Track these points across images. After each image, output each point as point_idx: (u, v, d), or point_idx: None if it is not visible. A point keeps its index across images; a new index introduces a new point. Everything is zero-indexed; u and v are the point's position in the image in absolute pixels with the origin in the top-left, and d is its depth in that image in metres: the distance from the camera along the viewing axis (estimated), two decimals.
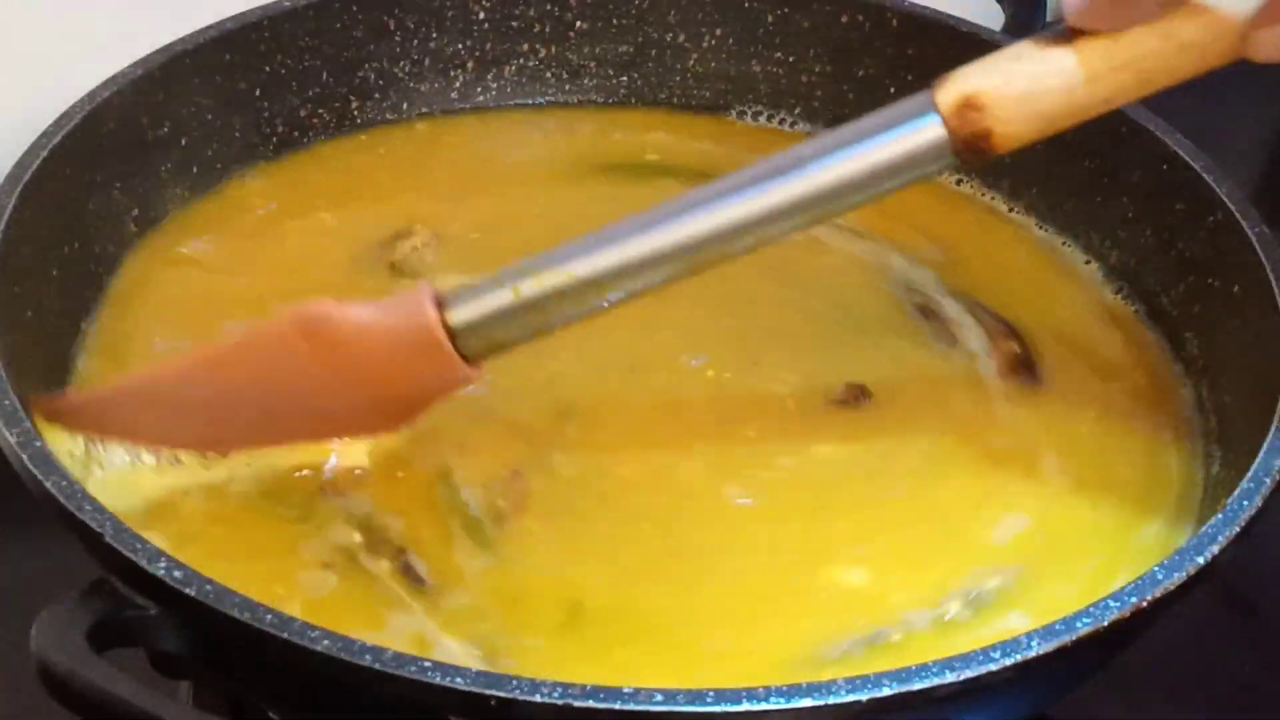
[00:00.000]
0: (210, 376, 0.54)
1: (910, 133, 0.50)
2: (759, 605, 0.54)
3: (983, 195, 0.73)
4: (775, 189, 0.51)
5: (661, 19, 0.77)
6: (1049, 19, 0.78)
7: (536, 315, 0.53)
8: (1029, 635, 0.46)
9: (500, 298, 0.53)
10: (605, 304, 0.53)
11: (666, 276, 0.53)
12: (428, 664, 0.44)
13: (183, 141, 0.68)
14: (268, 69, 0.71)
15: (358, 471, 0.56)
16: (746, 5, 0.76)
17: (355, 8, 0.73)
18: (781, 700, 0.44)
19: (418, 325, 0.53)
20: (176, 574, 0.46)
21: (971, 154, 0.50)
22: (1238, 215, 0.62)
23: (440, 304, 0.53)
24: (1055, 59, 0.49)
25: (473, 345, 0.53)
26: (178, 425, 0.55)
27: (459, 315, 0.53)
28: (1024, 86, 0.49)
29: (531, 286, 0.52)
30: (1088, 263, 0.70)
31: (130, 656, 0.47)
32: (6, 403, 0.51)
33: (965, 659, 0.45)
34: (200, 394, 0.54)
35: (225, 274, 0.66)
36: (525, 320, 0.53)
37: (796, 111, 0.77)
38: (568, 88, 0.77)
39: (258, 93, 0.71)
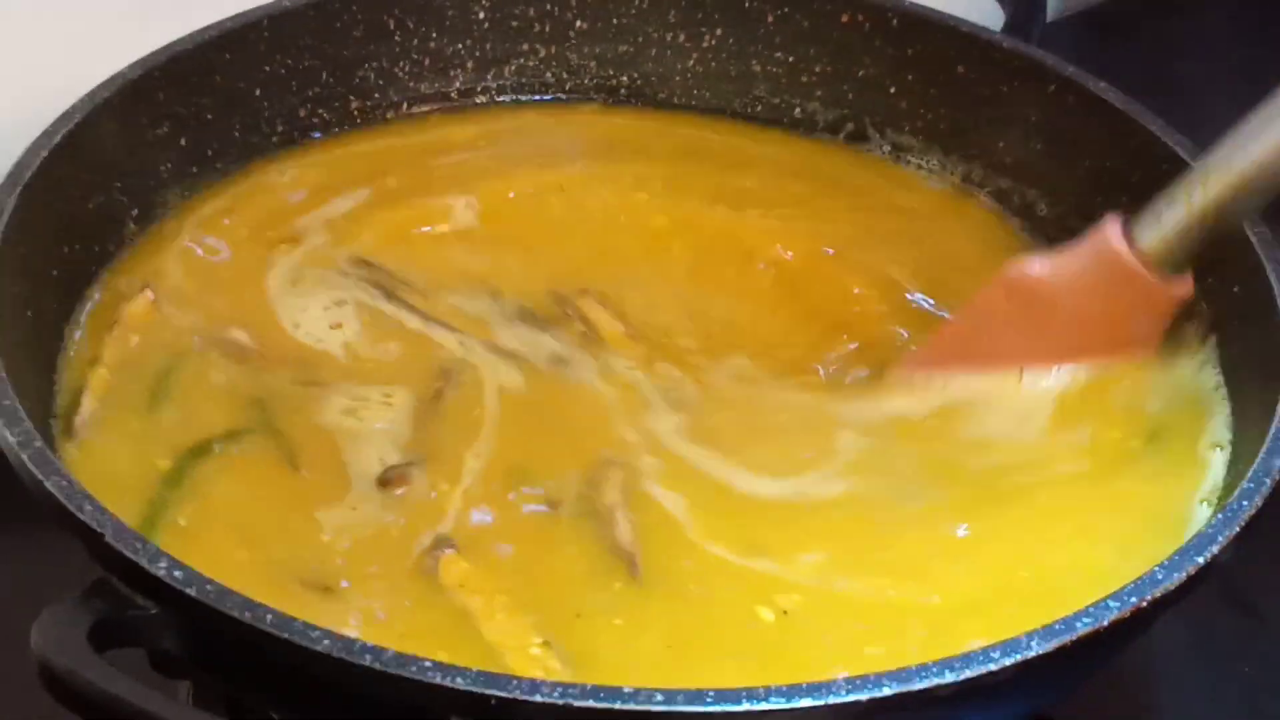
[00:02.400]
0: (968, 334, 0.63)
1: None
2: None
3: (982, 196, 0.73)
4: None
5: (661, 19, 0.77)
6: (1049, 19, 0.78)
7: (1216, 219, 0.58)
8: (1029, 635, 0.46)
9: (1177, 212, 0.58)
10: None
11: None
12: (428, 664, 0.44)
13: (182, 141, 0.68)
14: (267, 69, 0.71)
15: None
16: (746, 5, 0.76)
17: (355, 8, 0.73)
18: (781, 700, 0.44)
19: (1110, 261, 0.59)
20: (177, 574, 0.46)
21: None
22: None
23: (1128, 232, 0.59)
24: None
25: (1170, 260, 0.59)
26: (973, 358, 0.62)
27: (1146, 239, 0.59)
28: None
29: (1204, 193, 0.58)
30: None
31: (130, 656, 0.47)
32: (6, 403, 0.51)
33: (965, 659, 0.45)
34: (972, 339, 0.63)
35: (224, 274, 0.66)
36: (1207, 225, 0.58)
37: (796, 112, 0.77)
38: (568, 87, 0.77)
39: (258, 92, 0.71)
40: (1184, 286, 0.60)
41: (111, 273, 0.64)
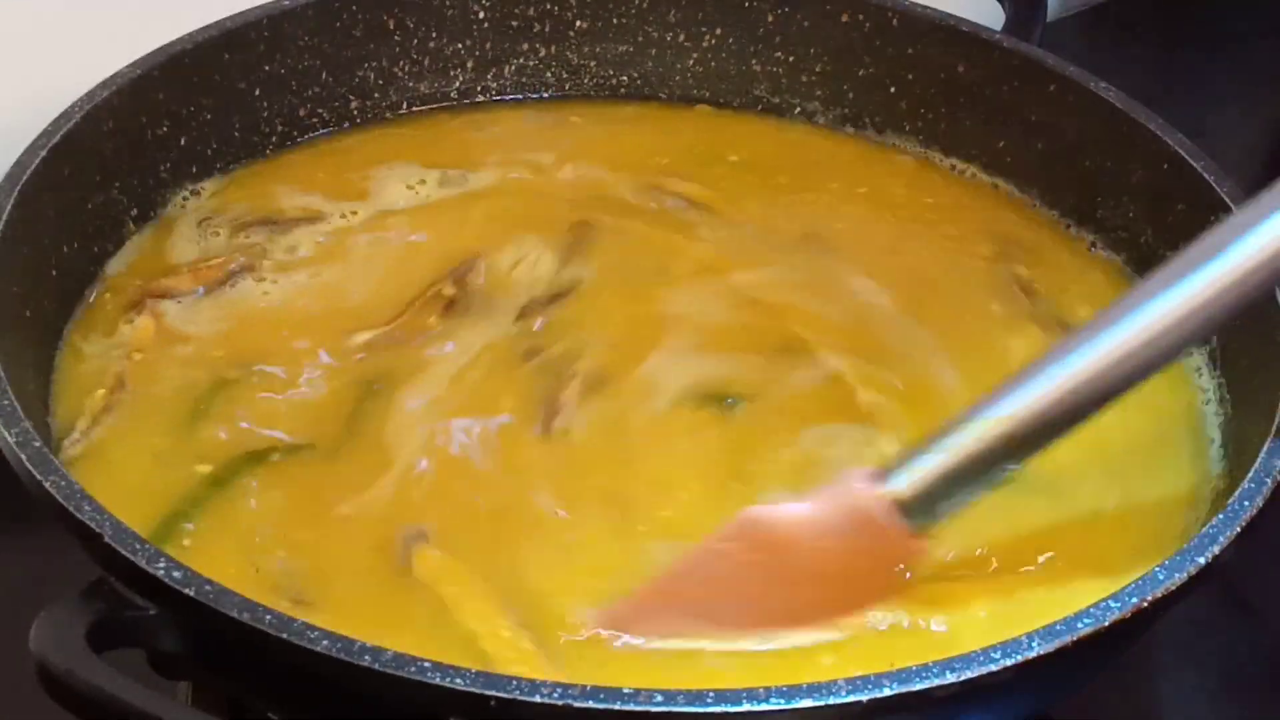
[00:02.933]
0: (682, 584, 0.55)
1: None
2: None
3: (986, 197, 0.73)
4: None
5: (661, 19, 0.77)
6: (1049, 19, 0.78)
7: (976, 472, 0.53)
8: (1029, 635, 0.46)
9: (936, 461, 0.53)
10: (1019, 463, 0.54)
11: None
12: (427, 664, 0.44)
13: (182, 141, 0.68)
14: (267, 68, 0.71)
15: None
16: (746, 5, 0.76)
17: (355, 7, 0.72)
18: (781, 700, 0.44)
19: (860, 507, 0.53)
20: (176, 574, 0.46)
21: None
22: None
23: (878, 479, 0.53)
24: None
25: (916, 515, 0.53)
26: (690, 621, 0.54)
27: (903, 488, 0.53)
28: None
29: (969, 442, 0.53)
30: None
31: (129, 657, 0.47)
32: (6, 403, 0.51)
33: (965, 659, 0.45)
34: (686, 596, 0.55)
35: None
36: (967, 480, 0.53)
37: (796, 112, 0.77)
38: (568, 87, 0.77)
39: (257, 92, 0.71)
40: (922, 546, 0.54)
41: (111, 273, 0.65)
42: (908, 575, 0.54)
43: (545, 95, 0.77)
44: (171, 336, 0.62)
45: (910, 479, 0.53)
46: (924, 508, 0.53)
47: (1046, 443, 0.53)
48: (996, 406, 0.53)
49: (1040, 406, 0.52)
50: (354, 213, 0.69)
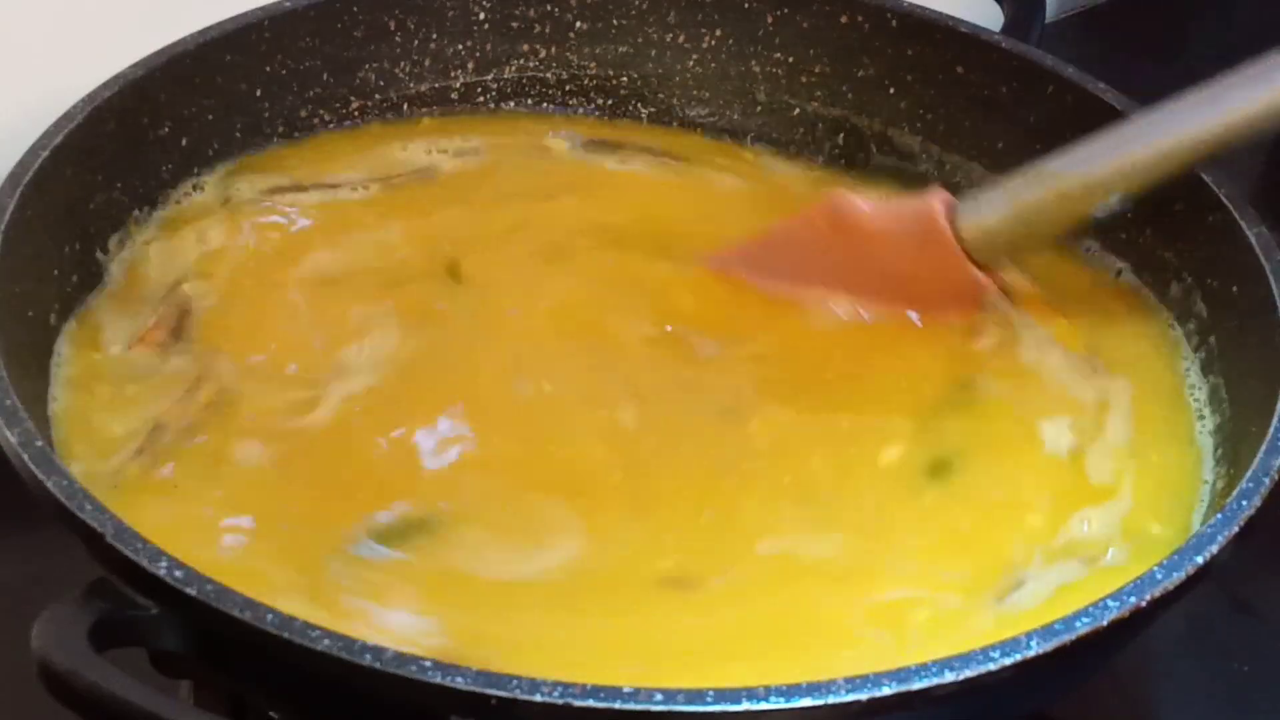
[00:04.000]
0: (776, 244, 0.64)
1: None
2: None
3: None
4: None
5: (661, 19, 0.77)
6: (1049, 19, 0.78)
7: (1037, 220, 0.59)
8: (1029, 635, 0.46)
9: (1001, 204, 0.59)
10: (1099, 209, 0.59)
11: (1151, 178, 0.59)
12: (428, 663, 0.44)
13: (183, 142, 0.69)
14: (268, 69, 0.71)
15: None
16: (746, 5, 0.76)
17: (355, 8, 0.73)
18: (781, 700, 0.44)
19: (927, 223, 0.59)
20: (177, 574, 0.46)
21: None
22: (1237, 215, 0.62)
23: (951, 209, 0.59)
24: None
25: (982, 250, 0.59)
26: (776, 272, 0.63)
27: (966, 221, 0.59)
28: None
29: (1030, 192, 0.59)
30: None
31: (131, 656, 0.47)
32: (7, 402, 0.51)
33: (965, 659, 0.45)
34: (778, 255, 0.63)
35: (225, 273, 0.66)
36: (1027, 225, 0.59)
37: (796, 112, 0.77)
38: (568, 88, 0.77)
39: (258, 93, 0.71)
40: (986, 282, 0.61)
41: (112, 273, 0.65)
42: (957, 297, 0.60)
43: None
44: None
45: (978, 215, 0.59)
46: (987, 244, 0.59)
47: (1104, 200, 0.58)
48: (1064, 160, 0.59)
49: (1109, 165, 0.58)
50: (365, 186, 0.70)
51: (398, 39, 0.74)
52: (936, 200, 0.60)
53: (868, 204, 0.61)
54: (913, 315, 0.61)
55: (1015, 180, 0.60)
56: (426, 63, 0.75)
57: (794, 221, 0.63)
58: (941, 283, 0.60)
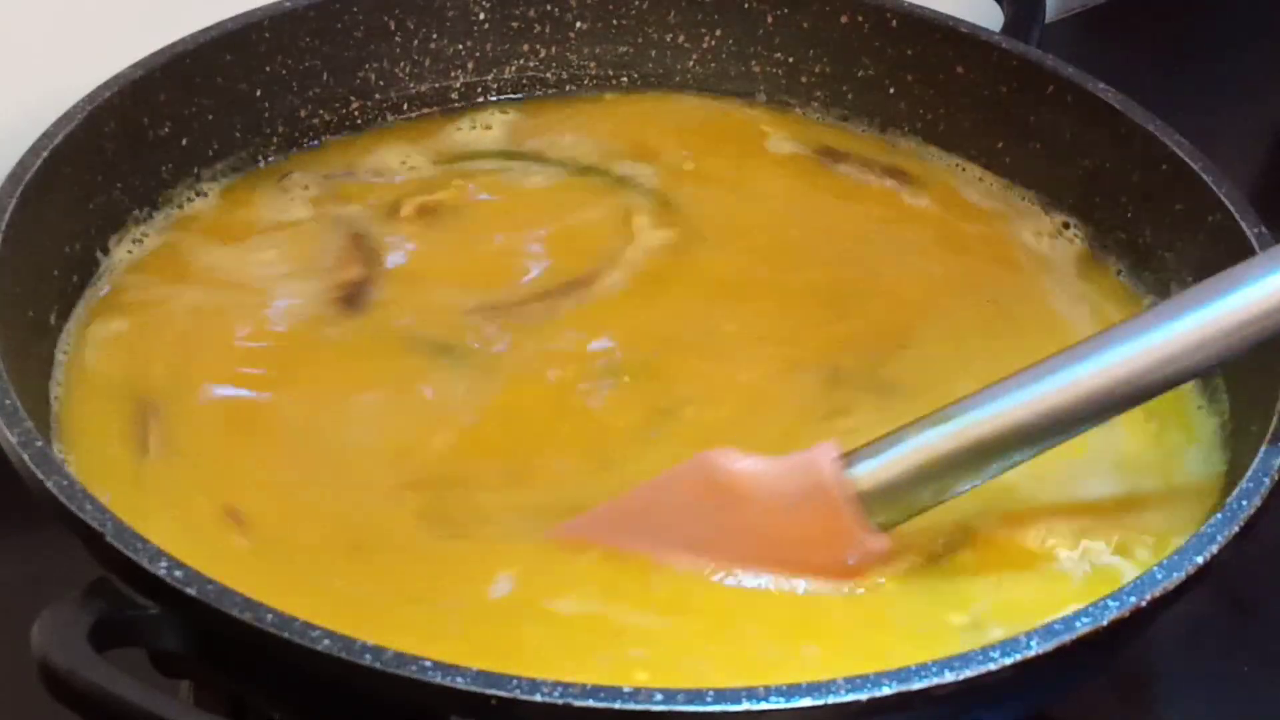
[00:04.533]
0: (641, 507, 0.55)
1: None
2: None
3: (983, 197, 0.73)
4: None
5: (661, 19, 0.77)
6: (1049, 19, 0.78)
7: (945, 475, 0.52)
8: (1028, 635, 0.46)
9: (903, 455, 0.52)
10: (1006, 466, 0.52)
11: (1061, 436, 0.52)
12: (428, 663, 0.44)
13: (183, 142, 0.69)
14: (268, 69, 0.71)
15: None
16: (746, 5, 0.76)
17: (355, 8, 0.73)
18: (781, 700, 0.44)
19: (813, 483, 0.52)
20: (177, 574, 0.46)
21: None
22: (1237, 215, 0.62)
23: (842, 464, 0.52)
24: None
25: (881, 509, 0.52)
26: (637, 538, 0.55)
27: (863, 477, 0.52)
28: None
29: (941, 442, 0.51)
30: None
31: (131, 656, 0.47)
32: (7, 402, 0.51)
33: (965, 659, 0.45)
34: (642, 518, 0.55)
35: (225, 273, 0.66)
36: (933, 482, 0.52)
37: (796, 113, 0.77)
38: (568, 89, 0.77)
39: (258, 93, 0.71)
40: (880, 543, 0.53)
41: (112, 272, 0.65)
42: (853, 563, 0.53)
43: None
44: None
45: (874, 470, 0.52)
46: (886, 503, 0.52)
47: (1024, 453, 0.52)
48: (978, 409, 0.51)
49: (1023, 416, 0.51)
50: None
51: (398, 39, 0.74)
52: (824, 457, 0.52)
53: (746, 462, 0.53)
54: (799, 583, 0.53)
55: (922, 427, 0.52)
56: (426, 63, 0.75)
57: (662, 482, 0.55)
58: (831, 547, 0.53)
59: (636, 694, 0.44)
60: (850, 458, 0.52)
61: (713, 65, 0.77)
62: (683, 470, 0.55)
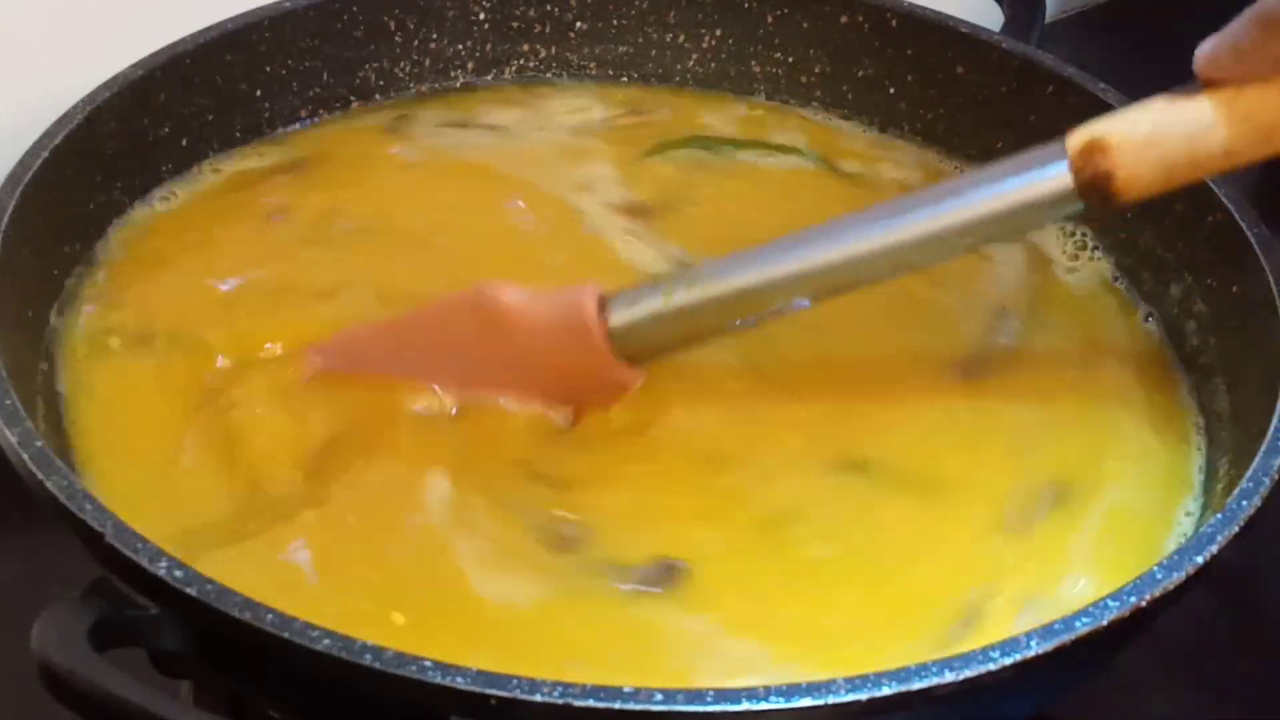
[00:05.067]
0: (407, 333, 0.60)
1: (1040, 177, 0.54)
2: None
3: None
4: (913, 221, 0.55)
5: (661, 19, 0.77)
6: (1049, 19, 0.78)
7: (688, 323, 0.57)
8: (1028, 635, 0.46)
9: (654, 303, 0.57)
10: (750, 320, 0.57)
11: (802, 297, 0.56)
12: (428, 663, 0.44)
13: (184, 142, 0.69)
14: (268, 69, 0.71)
15: None
16: (746, 5, 0.76)
17: (355, 8, 0.73)
18: (781, 700, 0.44)
19: (575, 319, 0.57)
20: (177, 573, 0.46)
21: (1097, 198, 0.53)
22: (1237, 215, 0.62)
23: (602, 304, 0.57)
24: (1180, 108, 0.52)
25: (630, 347, 0.57)
26: (398, 364, 0.59)
27: (616, 317, 0.57)
28: (1148, 130, 0.52)
29: (684, 295, 0.56)
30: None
31: (131, 656, 0.47)
32: (7, 402, 0.51)
33: (965, 659, 0.45)
34: (408, 344, 0.60)
35: (225, 274, 0.66)
36: (677, 327, 0.57)
37: (797, 112, 0.77)
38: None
39: (258, 93, 0.71)
40: (633, 377, 0.58)
41: (112, 272, 0.65)
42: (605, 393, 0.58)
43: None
44: None
45: (626, 313, 0.57)
46: (636, 342, 0.57)
47: (770, 308, 0.57)
48: (717, 274, 0.56)
49: (775, 275, 0.56)
50: None
51: (398, 39, 0.74)
52: (587, 295, 0.57)
53: (517, 294, 0.58)
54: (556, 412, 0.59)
55: (674, 281, 0.57)
56: (426, 63, 0.75)
57: (433, 309, 0.60)
58: (586, 376, 0.58)
59: (636, 694, 0.44)
60: (608, 298, 0.57)
61: (713, 65, 0.77)
62: (458, 299, 0.59)
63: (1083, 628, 0.46)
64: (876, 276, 0.56)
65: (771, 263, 0.56)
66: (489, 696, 0.43)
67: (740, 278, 0.56)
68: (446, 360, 0.59)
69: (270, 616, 0.45)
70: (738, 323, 0.58)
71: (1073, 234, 0.70)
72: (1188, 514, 0.58)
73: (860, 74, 0.76)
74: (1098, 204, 0.53)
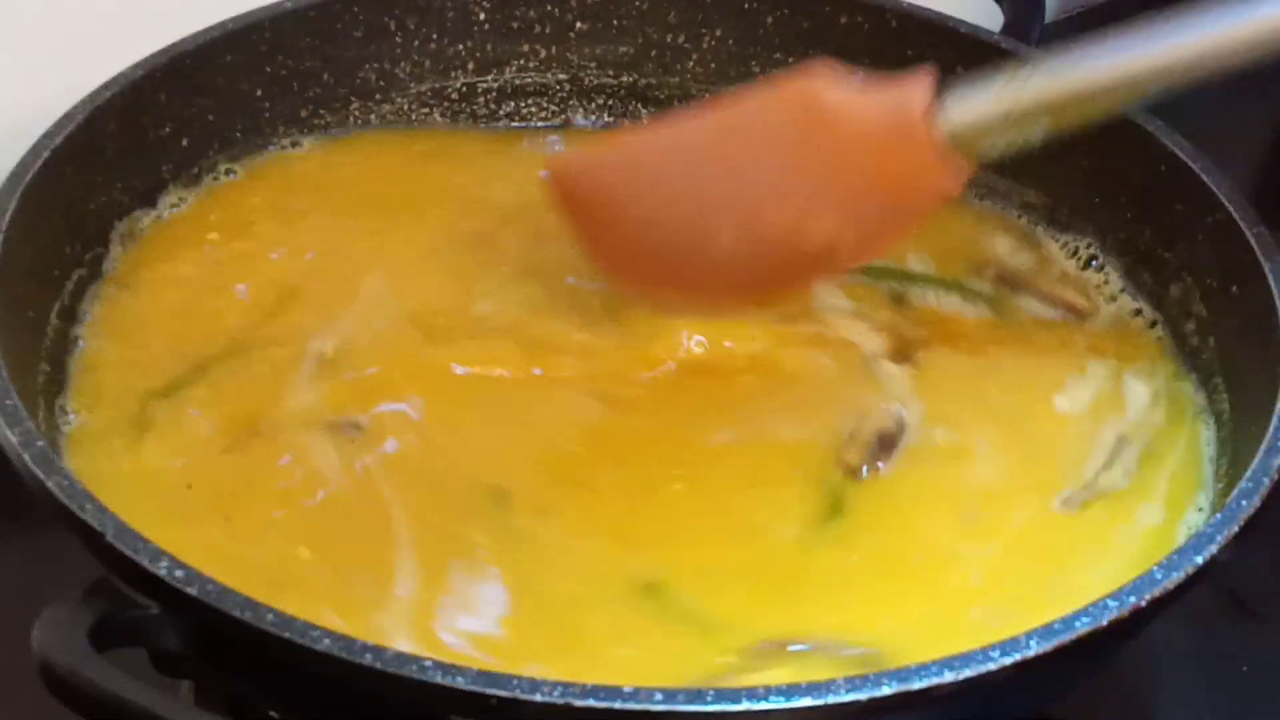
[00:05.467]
0: (694, 145, 0.55)
1: None
2: None
3: (981, 197, 0.73)
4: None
5: (661, 19, 0.77)
6: (1049, 19, 0.78)
7: (1027, 123, 0.55)
8: (1028, 635, 0.46)
9: (997, 103, 0.54)
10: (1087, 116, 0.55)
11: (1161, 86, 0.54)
12: (428, 663, 0.44)
13: (184, 142, 0.69)
14: (268, 69, 0.71)
15: None
16: (746, 6, 0.76)
17: (356, 8, 0.73)
18: (781, 699, 0.44)
19: (904, 123, 0.54)
20: (178, 573, 0.46)
21: None
22: (1236, 215, 0.62)
23: (932, 104, 0.54)
24: None
25: (963, 145, 0.55)
26: (662, 193, 0.54)
27: (952, 117, 0.54)
28: None
29: (1027, 94, 0.54)
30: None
31: (131, 656, 0.47)
32: (8, 402, 0.51)
33: (965, 658, 0.45)
34: (690, 162, 0.54)
35: (225, 274, 0.66)
36: (1017, 127, 0.55)
37: None
38: (568, 89, 0.77)
39: (259, 93, 0.71)
40: (957, 180, 0.56)
41: (112, 273, 0.65)
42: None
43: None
44: None
45: (961, 114, 0.54)
46: (964, 144, 0.55)
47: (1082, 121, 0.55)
48: (1054, 68, 0.54)
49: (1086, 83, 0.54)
50: None
51: (398, 39, 0.74)
52: (917, 93, 0.55)
53: (842, 89, 0.54)
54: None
55: (1009, 80, 0.55)
56: (426, 63, 0.75)
57: (741, 110, 0.54)
58: (906, 181, 0.55)
59: (636, 693, 0.44)
60: (941, 100, 0.55)
61: (713, 65, 0.77)
62: (773, 97, 0.54)
63: (1082, 628, 0.46)
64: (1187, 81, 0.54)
65: (1125, 54, 0.54)
66: (489, 696, 0.43)
67: (1096, 70, 0.54)
68: (742, 182, 0.53)
69: (270, 616, 0.45)
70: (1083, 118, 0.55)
71: (1075, 251, 0.71)
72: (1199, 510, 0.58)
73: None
74: None
